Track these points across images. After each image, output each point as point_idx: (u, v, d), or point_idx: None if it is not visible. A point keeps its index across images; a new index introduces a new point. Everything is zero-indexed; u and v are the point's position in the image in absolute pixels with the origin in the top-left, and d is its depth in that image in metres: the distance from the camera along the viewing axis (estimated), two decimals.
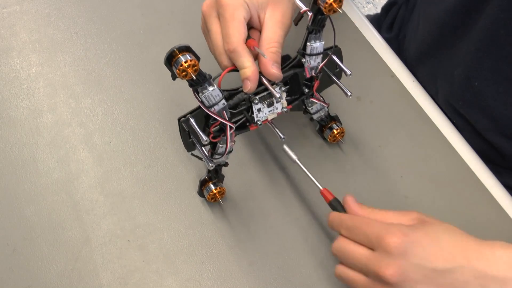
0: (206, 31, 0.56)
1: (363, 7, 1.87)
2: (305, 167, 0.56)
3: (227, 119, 0.51)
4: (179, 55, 0.45)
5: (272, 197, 0.61)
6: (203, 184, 0.58)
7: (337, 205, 0.54)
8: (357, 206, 0.52)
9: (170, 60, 0.46)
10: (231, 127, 0.52)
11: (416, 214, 0.50)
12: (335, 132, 0.62)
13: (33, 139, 0.64)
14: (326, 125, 0.63)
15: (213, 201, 0.59)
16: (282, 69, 0.52)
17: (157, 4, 0.76)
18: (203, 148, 0.53)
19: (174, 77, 0.46)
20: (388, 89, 0.70)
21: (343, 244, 0.50)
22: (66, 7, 0.76)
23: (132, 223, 0.59)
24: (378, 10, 0.94)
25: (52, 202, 0.60)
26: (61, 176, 0.62)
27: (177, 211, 0.60)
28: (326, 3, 0.46)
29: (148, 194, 0.61)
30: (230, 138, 0.53)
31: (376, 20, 0.91)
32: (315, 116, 0.61)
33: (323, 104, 0.59)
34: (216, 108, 0.50)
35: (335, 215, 0.52)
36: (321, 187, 0.55)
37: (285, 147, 0.56)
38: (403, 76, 0.71)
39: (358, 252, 0.49)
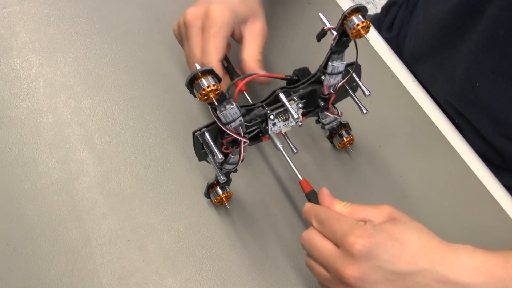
0: (183, 37, 0.60)
1: None
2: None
3: (242, 135, 0.50)
4: (202, 78, 0.44)
5: (274, 197, 0.61)
6: (210, 187, 0.58)
7: (313, 198, 0.53)
8: (331, 200, 0.51)
9: (192, 82, 0.44)
10: (245, 142, 0.51)
11: (388, 209, 0.49)
12: (345, 140, 0.62)
13: (33, 139, 0.64)
14: (336, 132, 0.63)
15: (220, 205, 0.59)
16: (302, 84, 0.53)
17: (157, 4, 0.76)
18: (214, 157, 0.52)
19: (193, 95, 0.46)
20: (388, 89, 0.70)
21: (311, 236, 0.50)
22: (66, 7, 0.76)
23: (132, 223, 0.59)
24: (378, 10, 0.94)
25: (52, 202, 0.60)
26: (61, 176, 0.62)
27: (177, 211, 0.60)
28: (354, 28, 0.45)
29: (148, 194, 0.61)
30: (243, 150, 0.52)
31: (376, 20, 0.91)
32: (327, 126, 0.61)
33: (336, 116, 0.59)
34: (233, 124, 0.49)
35: (310, 206, 0.52)
36: (301, 178, 0.54)
37: (272, 134, 0.53)
38: (403, 76, 0.71)
39: (323, 246, 0.48)
